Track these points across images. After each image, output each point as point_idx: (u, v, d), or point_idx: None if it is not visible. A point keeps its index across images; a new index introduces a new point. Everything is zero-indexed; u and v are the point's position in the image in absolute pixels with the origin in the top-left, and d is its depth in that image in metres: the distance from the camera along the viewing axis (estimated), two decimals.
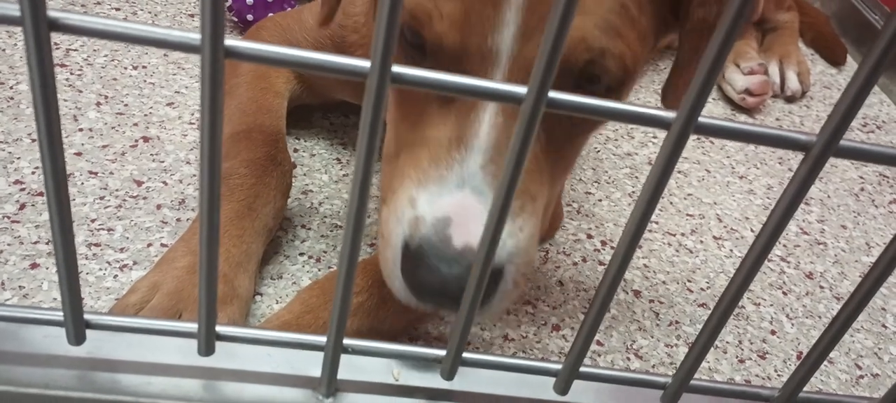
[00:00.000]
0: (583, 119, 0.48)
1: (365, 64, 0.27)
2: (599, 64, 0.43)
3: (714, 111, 1.12)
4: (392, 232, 0.44)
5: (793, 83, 1.18)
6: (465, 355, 0.40)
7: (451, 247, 0.41)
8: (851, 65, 1.32)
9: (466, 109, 0.44)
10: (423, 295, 0.43)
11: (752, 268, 0.33)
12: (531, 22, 0.42)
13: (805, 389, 0.42)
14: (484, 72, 0.44)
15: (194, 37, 0.25)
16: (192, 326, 0.37)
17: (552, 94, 0.27)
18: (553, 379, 0.41)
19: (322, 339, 0.39)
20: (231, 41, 0.26)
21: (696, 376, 0.41)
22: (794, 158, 1.01)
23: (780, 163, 1.02)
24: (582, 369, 0.40)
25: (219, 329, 0.37)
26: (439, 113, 0.45)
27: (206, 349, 0.38)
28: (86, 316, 0.36)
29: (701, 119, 0.28)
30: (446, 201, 0.42)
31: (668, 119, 0.28)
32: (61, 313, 0.36)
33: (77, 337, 0.37)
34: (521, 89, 0.28)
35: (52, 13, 0.25)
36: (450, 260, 0.40)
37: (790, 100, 1.19)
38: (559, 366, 0.41)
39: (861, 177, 1.03)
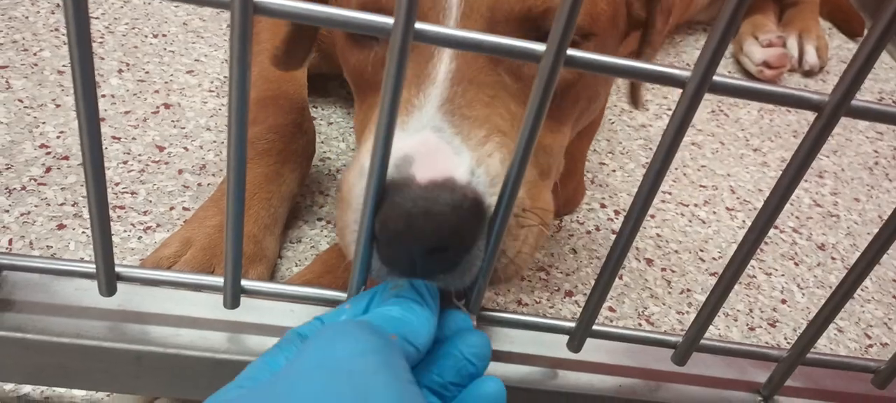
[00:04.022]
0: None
1: (388, 20, 0.28)
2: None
3: None
4: (352, 190, 0.41)
5: (811, 57, 1.17)
6: (482, 312, 0.41)
7: (414, 183, 0.37)
8: None
9: (424, 60, 0.43)
10: (387, 244, 0.37)
11: (765, 225, 0.34)
12: None
13: (814, 352, 0.42)
14: (436, 18, 0.43)
15: None
16: (219, 280, 0.38)
17: (570, 52, 0.28)
18: (567, 337, 0.42)
19: (343, 295, 0.40)
20: None
21: (705, 337, 0.42)
22: None
23: (794, 137, 1.01)
24: (595, 328, 0.41)
25: (244, 283, 0.39)
26: None
27: (232, 302, 0.39)
28: (117, 269, 0.38)
29: (715, 78, 0.29)
30: (406, 142, 0.40)
31: (682, 77, 0.29)
32: (93, 266, 0.38)
33: (108, 289, 0.38)
34: (540, 47, 0.28)
35: None
36: (414, 197, 0.36)
37: (808, 74, 1.19)
38: (573, 324, 0.42)
39: (875, 151, 1.03)
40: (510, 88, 0.44)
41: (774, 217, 0.34)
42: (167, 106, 0.79)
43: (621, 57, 0.30)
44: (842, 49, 1.29)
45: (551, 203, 0.48)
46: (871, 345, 0.71)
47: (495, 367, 0.43)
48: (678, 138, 0.31)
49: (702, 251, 0.77)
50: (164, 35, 0.90)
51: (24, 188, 0.65)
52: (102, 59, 0.83)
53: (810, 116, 0.31)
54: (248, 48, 0.28)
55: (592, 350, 0.45)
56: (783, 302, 0.73)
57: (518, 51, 0.29)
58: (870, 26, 1.09)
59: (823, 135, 0.31)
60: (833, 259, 0.81)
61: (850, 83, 0.30)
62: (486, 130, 0.41)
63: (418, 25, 0.28)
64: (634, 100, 0.63)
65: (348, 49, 0.49)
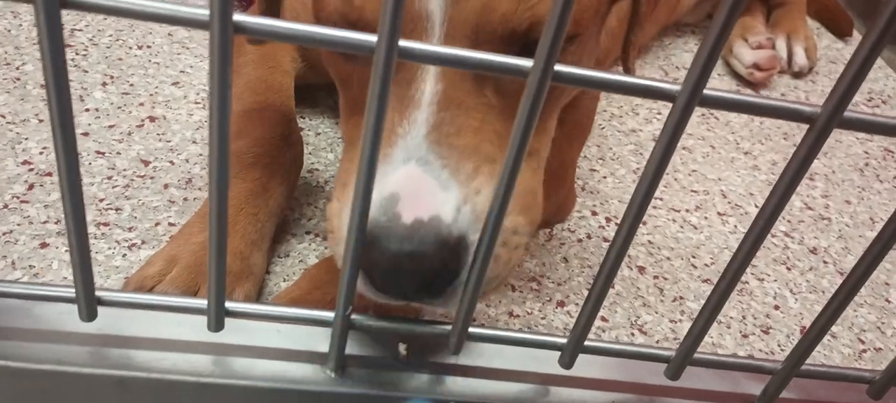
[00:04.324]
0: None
1: (372, 38, 0.27)
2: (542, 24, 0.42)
3: (720, 86, 1.11)
4: (342, 225, 0.41)
5: (800, 58, 1.17)
6: (472, 329, 0.40)
7: (400, 224, 0.38)
8: (857, 38, 1.31)
9: (406, 83, 0.42)
10: (380, 283, 0.39)
11: (756, 240, 0.34)
12: None
13: (807, 362, 0.42)
14: (419, 38, 0.41)
15: (203, 12, 0.26)
16: (202, 303, 0.38)
17: (558, 67, 0.28)
18: (559, 353, 0.42)
19: (330, 315, 0.39)
20: (239, 16, 0.26)
21: (699, 350, 0.41)
22: (799, 134, 1.01)
23: (784, 139, 1.01)
24: (587, 343, 0.41)
25: (228, 305, 0.38)
26: None
27: (217, 325, 0.38)
28: (97, 293, 0.37)
29: (706, 91, 0.29)
30: (391, 178, 0.39)
31: (673, 91, 0.29)
32: (73, 290, 0.37)
33: (89, 314, 0.37)
34: (527, 62, 0.28)
35: None
36: (400, 238, 0.38)
37: (797, 75, 1.19)
38: (564, 340, 0.41)
39: (866, 152, 1.03)
40: (496, 108, 0.43)
41: (767, 229, 0.34)
42: (152, 119, 0.78)
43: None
44: (830, 49, 1.29)
45: (540, 199, 0.48)
46: (864, 351, 0.70)
47: (486, 385, 0.43)
48: (668, 152, 0.30)
49: (694, 257, 0.77)
50: (148, 46, 0.89)
51: (6, 206, 0.64)
52: (86, 72, 0.82)
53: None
54: (228, 71, 0.27)
55: (585, 365, 0.44)
56: (776, 307, 0.73)
57: (505, 67, 0.28)
58: (858, 28, 1.09)
59: (816, 148, 0.31)
60: (825, 263, 0.81)
61: (842, 94, 0.29)
62: (475, 162, 0.41)
63: (403, 43, 0.27)
64: (626, 67, 0.61)
65: (331, 58, 0.49)
